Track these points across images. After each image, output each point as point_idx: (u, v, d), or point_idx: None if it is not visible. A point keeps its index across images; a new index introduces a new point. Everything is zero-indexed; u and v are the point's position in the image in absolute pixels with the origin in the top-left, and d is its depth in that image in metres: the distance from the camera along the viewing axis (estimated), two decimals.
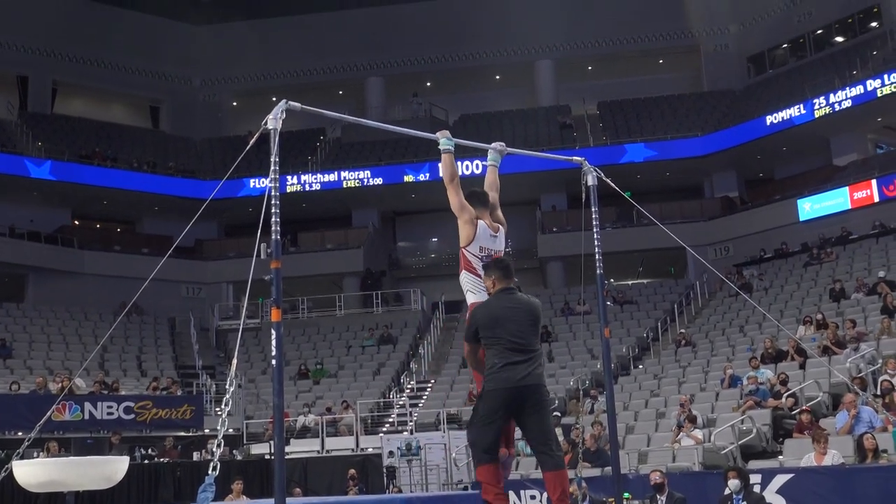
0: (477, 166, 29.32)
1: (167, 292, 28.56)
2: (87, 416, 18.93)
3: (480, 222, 5.92)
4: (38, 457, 14.66)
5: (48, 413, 12.56)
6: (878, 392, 13.77)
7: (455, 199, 5.89)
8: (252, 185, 30.95)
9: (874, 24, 31.32)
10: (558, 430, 17.35)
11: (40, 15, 32.63)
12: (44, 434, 16.23)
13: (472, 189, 6.13)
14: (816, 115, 27.92)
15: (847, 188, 26.93)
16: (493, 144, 6.61)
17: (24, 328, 25.64)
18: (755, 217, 29.17)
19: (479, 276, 5.82)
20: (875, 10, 31.11)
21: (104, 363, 24.08)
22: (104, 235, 32.52)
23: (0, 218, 28.53)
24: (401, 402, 22.27)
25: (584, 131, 32.88)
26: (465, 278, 5.92)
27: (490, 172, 6.48)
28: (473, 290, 5.87)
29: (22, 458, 6.50)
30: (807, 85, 29.02)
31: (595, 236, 7.57)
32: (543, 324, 25.47)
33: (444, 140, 6.15)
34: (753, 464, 13.60)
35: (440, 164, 6.13)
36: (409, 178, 31.31)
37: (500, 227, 6.10)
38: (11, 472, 6.23)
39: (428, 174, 30.81)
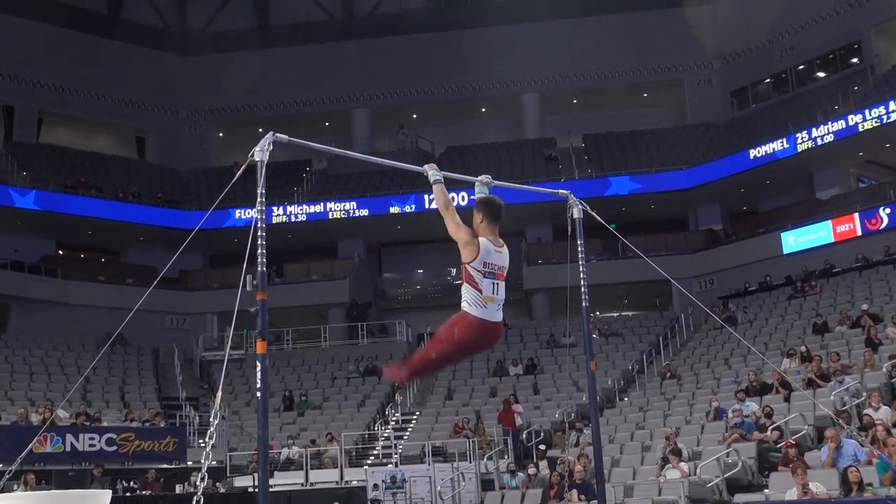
0: (463, 198, 29.38)
1: (151, 323, 28.40)
2: (68, 448, 18.77)
3: (482, 239, 5.84)
4: (17, 489, 14.49)
5: (30, 445, 12.45)
6: (862, 425, 13.79)
7: (451, 224, 5.82)
8: (237, 215, 30.95)
9: (855, 59, 31.72)
10: (544, 463, 17.39)
11: (26, 44, 32.68)
12: (25, 466, 16.06)
13: (489, 197, 6.10)
14: (799, 150, 28.17)
15: (830, 222, 27.13)
16: (480, 177, 6.64)
17: (6, 358, 25.40)
18: (739, 250, 29.32)
19: (480, 290, 5.78)
20: (856, 45, 31.52)
21: (87, 394, 23.87)
22: (88, 265, 32.36)
23: None
24: (385, 435, 22.15)
25: (570, 164, 33.06)
26: (466, 290, 5.85)
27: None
28: (471, 302, 5.81)
29: (2, 491, 6.43)
30: (789, 119, 29.30)
31: (581, 268, 7.61)
32: (529, 356, 25.58)
33: (433, 172, 6.16)
34: (739, 497, 13.58)
35: (433, 196, 6.11)
36: (394, 210, 31.35)
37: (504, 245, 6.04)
38: None
39: (414, 205, 30.87)
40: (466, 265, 5.80)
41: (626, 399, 22.26)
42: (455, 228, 5.80)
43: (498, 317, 5.93)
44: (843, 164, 29.38)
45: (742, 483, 14.29)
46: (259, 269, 5.59)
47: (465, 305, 5.82)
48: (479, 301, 5.79)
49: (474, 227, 5.91)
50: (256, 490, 16.80)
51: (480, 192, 6.52)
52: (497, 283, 5.86)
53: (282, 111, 36.22)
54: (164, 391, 26.55)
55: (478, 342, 5.91)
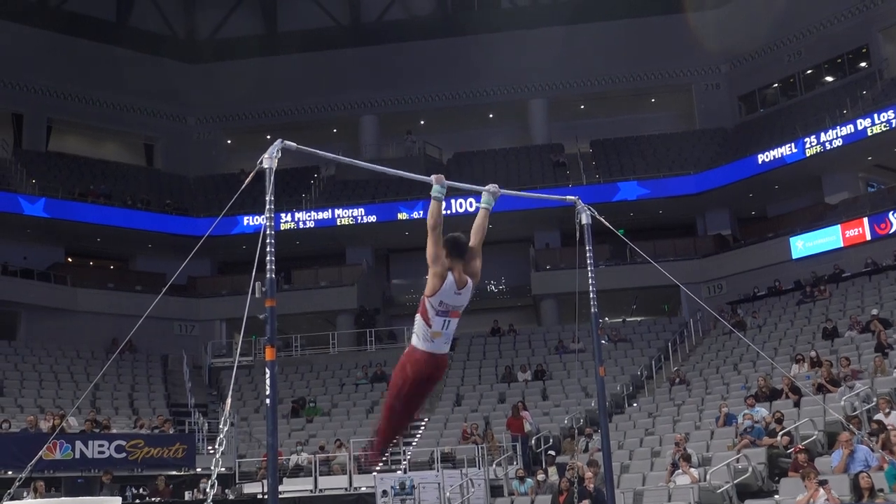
0: (471, 204, 29.48)
1: (160, 330, 28.46)
2: (77, 455, 18.77)
3: (449, 276, 5.94)
4: (27, 497, 14.53)
5: (39, 452, 12.47)
6: (873, 431, 13.74)
7: (431, 248, 5.93)
8: (246, 222, 30.99)
9: (863, 63, 31.64)
10: (553, 469, 17.35)
11: (35, 53, 32.82)
12: (34, 474, 16.10)
13: (454, 235, 6.09)
14: (808, 154, 28.10)
15: (839, 226, 27.04)
16: (488, 187, 6.65)
17: (15, 366, 25.47)
18: (748, 255, 29.25)
19: (430, 325, 5.97)
20: (864, 49, 31.45)
21: (96, 401, 23.92)
22: (97, 273, 32.44)
23: None
24: (394, 441, 22.10)
25: (578, 169, 33.03)
26: (417, 322, 6.06)
27: (481, 215, 6.50)
28: (420, 336, 6.02)
29: (13, 498, 6.44)
30: (798, 124, 29.24)
31: (589, 274, 7.60)
32: (538, 362, 25.55)
33: (437, 188, 6.17)
34: (749, 503, 13.54)
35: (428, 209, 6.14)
36: (402, 216, 31.36)
37: (470, 280, 6.09)
38: None
39: (421, 212, 30.83)
40: (425, 298, 5.98)
41: (635, 405, 22.22)
42: (432, 254, 5.94)
43: (444, 349, 6.12)
44: (852, 168, 29.30)
45: (752, 489, 14.25)
46: (268, 275, 5.61)
47: (414, 339, 6.06)
48: (427, 336, 5.99)
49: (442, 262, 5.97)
50: (266, 497, 16.81)
51: (486, 202, 6.54)
52: (448, 321, 6.03)
53: (290, 118, 36.27)
54: (174, 398, 26.60)
55: (428, 375, 6.11)
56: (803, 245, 27.79)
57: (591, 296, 7.51)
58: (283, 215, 30.93)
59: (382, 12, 37.08)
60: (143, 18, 36.11)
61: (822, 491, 11.50)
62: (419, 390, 6.18)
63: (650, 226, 31.75)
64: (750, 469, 14.28)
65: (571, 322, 27.44)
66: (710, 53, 34.24)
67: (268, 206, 5.69)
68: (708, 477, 14.37)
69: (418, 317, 6.03)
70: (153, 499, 18.06)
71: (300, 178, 34.38)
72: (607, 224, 7.54)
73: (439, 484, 17.95)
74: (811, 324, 23.29)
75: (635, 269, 27.87)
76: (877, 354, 18.08)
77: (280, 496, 12.22)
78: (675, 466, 14.92)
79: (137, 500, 18.08)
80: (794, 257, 27.90)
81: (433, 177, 6.28)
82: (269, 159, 5.79)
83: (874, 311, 21.12)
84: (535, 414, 21.94)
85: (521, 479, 17.39)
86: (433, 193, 6.18)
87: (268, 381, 5.33)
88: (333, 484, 19.93)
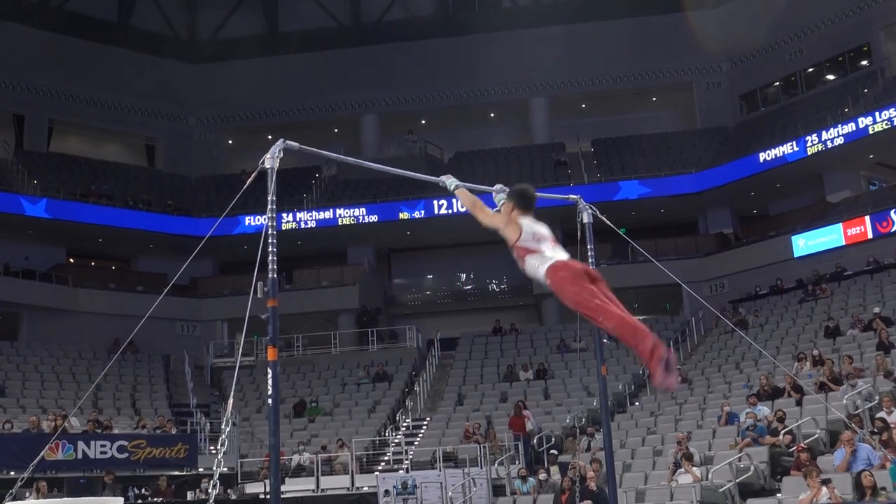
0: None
1: (162, 330, 28.46)
2: (80, 456, 18.81)
3: (522, 219, 5.67)
4: (29, 497, 14.54)
5: (41, 453, 12.48)
6: (875, 429, 13.73)
7: (483, 217, 5.75)
8: (247, 222, 31.00)
9: (864, 62, 31.62)
10: (555, 469, 17.35)
11: (36, 53, 32.83)
12: (36, 474, 16.11)
13: (521, 188, 5.84)
14: (809, 152, 28.09)
15: (841, 225, 27.03)
16: (496, 187, 6.66)
17: (17, 366, 25.49)
18: (750, 253, 29.24)
19: (542, 253, 5.55)
20: (865, 48, 31.43)
21: (98, 402, 23.94)
22: (99, 273, 32.46)
23: None
24: (396, 440, 22.14)
25: (579, 168, 33.02)
26: (530, 261, 5.60)
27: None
28: (542, 262, 5.54)
29: (15, 499, 6.45)
30: (799, 122, 29.23)
31: None
32: (540, 361, 25.55)
33: (452, 180, 6.16)
34: (751, 502, 13.55)
35: (459, 201, 6.03)
36: (404, 216, 31.36)
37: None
38: None
39: (423, 211, 30.88)
40: (517, 245, 5.63)
41: (637, 404, 22.22)
42: (489, 219, 5.74)
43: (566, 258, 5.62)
44: (854, 166, 29.28)
45: (754, 487, 14.24)
46: (270, 275, 5.61)
47: (541, 269, 5.53)
48: (546, 259, 5.52)
49: (508, 216, 5.72)
50: (268, 496, 16.81)
51: (499, 201, 6.51)
52: (553, 247, 5.63)
53: (291, 118, 36.29)
54: (175, 398, 26.61)
55: (579, 270, 5.47)
56: (805, 243, 27.77)
57: None
58: (284, 215, 30.93)
59: (383, 12, 37.08)
60: (144, 19, 36.11)
61: (824, 490, 11.50)
62: (587, 282, 5.40)
63: (652, 225, 31.72)
64: (752, 468, 14.28)
65: (573, 321, 27.41)
66: (711, 52, 34.21)
67: (269, 206, 5.70)
68: (710, 476, 14.37)
69: (527, 257, 5.59)
70: (155, 499, 18.07)
71: (302, 178, 34.39)
72: (609, 223, 7.55)
73: (441, 483, 17.95)
74: (813, 322, 23.29)
75: (637, 268, 27.85)
76: (878, 353, 18.08)
77: (282, 496, 12.24)
78: (677, 465, 14.92)
79: (139, 501, 18.09)
80: (795, 256, 27.89)
81: (443, 176, 6.26)
82: (271, 159, 5.79)
83: (876, 310, 21.13)
84: (537, 413, 21.94)
85: (524, 479, 17.39)
86: (452, 186, 6.16)
87: (270, 381, 5.33)
88: (335, 484, 19.95)
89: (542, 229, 5.71)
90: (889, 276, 24.27)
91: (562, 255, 5.56)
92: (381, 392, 25.84)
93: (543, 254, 5.54)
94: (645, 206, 31.10)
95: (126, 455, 19.26)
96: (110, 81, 34.44)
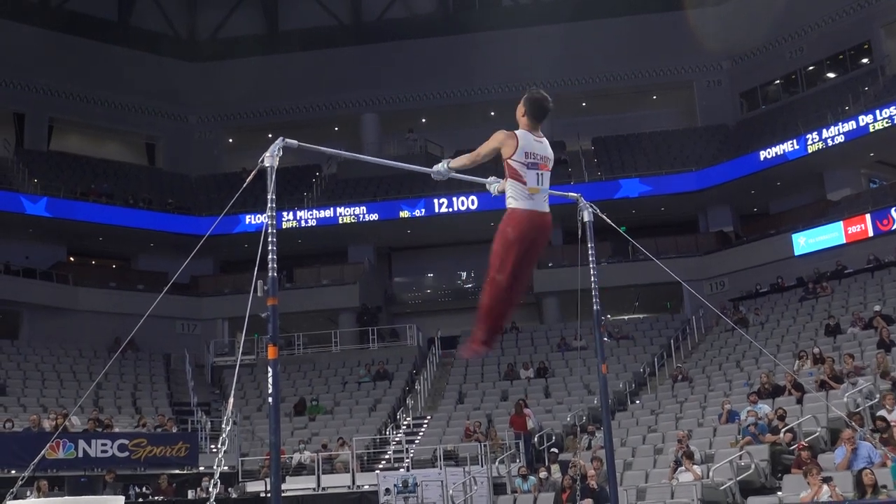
0: (473, 202, 29.52)
1: (162, 329, 28.49)
2: (80, 454, 18.83)
3: (520, 132, 5.77)
4: (30, 496, 14.54)
5: (42, 451, 12.48)
6: (876, 427, 13.72)
7: (485, 150, 5.89)
8: (248, 221, 30.99)
9: (865, 59, 31.60)
10: (556, 467, 17.35)
11: (36, 52, 32.82)
12: (37, 473, 16.11)
13: (535, 94, 6.01)
14: (810, 150, 28.08)
15: (841, 223, 27.02)
16: (489, 178, 6.67)
17: (18, 365, 25.50)
18: (750, 252, 29.23)
19: (524, 182, 5.65)
20: (866, 46, 31.40)
21: (98, 400, 23.94)
22: (99, 272, 32.46)
23: None
24: (397, 439, 22.14)
25: (579, 167, 33.00)
26: (510, 186, 5.73)
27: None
28: (517, 197, 5.67)
29: (16, 497, 6.45)
30: (799, 120, 29.21)
31: (591, 271, 7.59)
32: (540, 359, 25.54)
33: (443, 166, 6.19)
34: (752, 500, 13.54)
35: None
36: (404, 214, 31.35)
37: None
38: None
39: (423, 210, 30.87)
40: (508, 160, 5.69)
41: (637, 402, 22.22)
42: (488, 145, 5.83)
43: (545, 208, 5.76)
44: (854, 164, 29.27)
45: (755, 485, 14.24)
46: (270, 274, 5.60)
47: (510, 202, 5.69)
48: (525, 194, 5.66)
49: (517, 120, 5.83)
50: (269, 495, 16.82)
51: (492, 191, 6.53)
52: (541, 174, 5.74)
53: (291, 116, 36.28)
54: (176, 397, 26.62)
55: (532, 238, 5.65)
56: (805, 242, 27.77)
57: (594, 293, 7.50)
58: (284, 214, 30.94)
59: (383, 11, 37.07)
60: (145, 18, 36.11)
61: (825, 488, 11.50)
62: (524, 257, 5.61)
63: (652, 223, 31.70)
64: (753, 466, 14.28)
65: (574, 319, 27.40)
66: (711, 50, 34.19)
67: (269, 205, 5.69)
68: (711, 474, 14.36)
69: (510, 181, 5.70)
70: (156, 497, 18.08)
71: (302, 176, 34.40)
72: (609, 221, 7.54)
73: (442, 482, 17.95)
74: (813, 320, 23.28)
75: (637, 267, 27.86)
76: (879, 351, 18.06)
77: (283, 494, 12.25)
78: (677, 463, 14.91)
79: (140, 499, 18.10)
80: (796, 254, 27.89)
81: (434, 167, 6.31)
82: (271, 158, 5.78)
83: (877, 308, 21.12)
84: (538, 411, 21.94)
85: (524, 477, 17.39)
86: (446, 174, 6.45)
87: (270, 380, 5.33)
88: (336, 482, 19.97)
89: (540, 148, 5.79)
90: (890, 274, 24.26)
91: (538, 201, 5.65)
92: (381, 390, 25.85)
93: (524, 187, 5.63)
94: (645, 204, 31.09)
95: (127, 454, 19.28)
96: (111, 80, 34.43)
